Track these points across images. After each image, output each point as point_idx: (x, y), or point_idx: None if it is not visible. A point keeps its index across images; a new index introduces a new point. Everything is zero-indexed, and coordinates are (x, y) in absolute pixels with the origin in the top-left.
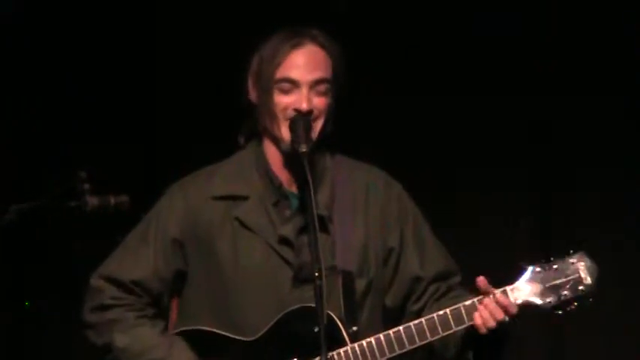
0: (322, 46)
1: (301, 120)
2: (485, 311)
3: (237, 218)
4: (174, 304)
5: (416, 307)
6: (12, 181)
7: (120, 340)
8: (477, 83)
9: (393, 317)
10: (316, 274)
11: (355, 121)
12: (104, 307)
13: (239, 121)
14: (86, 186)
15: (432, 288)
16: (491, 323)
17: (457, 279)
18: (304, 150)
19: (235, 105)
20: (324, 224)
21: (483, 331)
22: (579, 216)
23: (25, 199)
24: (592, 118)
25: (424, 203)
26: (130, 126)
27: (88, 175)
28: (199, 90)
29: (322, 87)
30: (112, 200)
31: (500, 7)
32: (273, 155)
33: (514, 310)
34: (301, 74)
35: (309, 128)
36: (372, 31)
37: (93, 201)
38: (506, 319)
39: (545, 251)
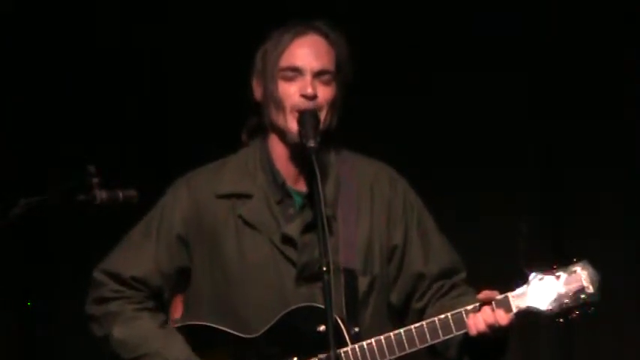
0: (325, 35)
1: (310, 115)
2: (477, 315)
3: (240, 216)
4: (179, 301)
5: (419, 304)
6: (18, 177)
7: (118, 332)
8: (477, 83)
9: (397, 315)
10: (324, 268)
11: (355, 120)
12: (104, 300)
13: (247, 118)
14: (95, 180)
15: (435, 286)
16: (482, 327)
17: (462, 275)
18: (312, 145)
19: (243, 102)
20: (328, 223)
21: (473, 332)
22: (583, 219)
23: (33, 195)
24: (592, 120)
25: (425, 204)
26: (138, 121)
27: (97, 170)
28: (208, 86)
29: (326, 77)
30: (121, 195)
31: (500, 7)
32: (278, 151)
33: (510, 321)
34: (304, 62)
35: (317, 124)
36: (371, 30)
37: (102, 195)
38: (497, 326)
39: (548, 258)
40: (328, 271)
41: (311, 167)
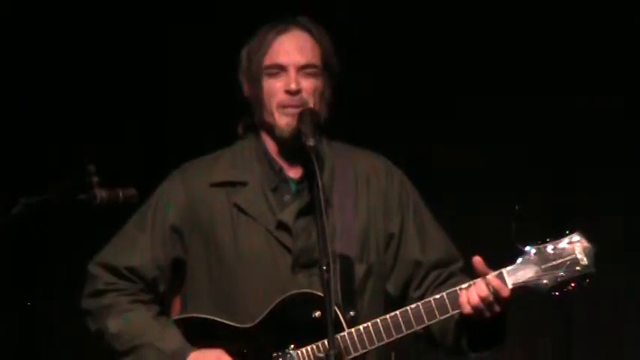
0: (308, 30)
1: (309, 114)
2: (471, 289)
3: (235, 204)
4: (178, 299)
5: (417, 293)
6: (18, 177)
7: (112, 325)
8: (477, 83)
9: (395, 305)
10: (324, 267)
11: (359, 117)
12: (98, 293)
13: (243, 114)
14: (95, 179)
15: (432, 274)
16: (475, 300)
17: (459, 265)
18: (312, 144)
19: (239, 98)
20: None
21: (467, 309)
22: (584, 214)
23: (33, 194)
24: (592, 118)
25: (422, 190)
26: (138, 121)
27: (97, 169)
28: (208, 85)
29: (310, 70)
30: (121, 194)
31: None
32: (270, 144)
33: (506, 293)
34: (288, 58)
35: (317, 122)
36: (371, 35)
37: (102, 194)
38: (492, 299)
39: (542, 233)
40: (328, 270)
41: (310, 165)
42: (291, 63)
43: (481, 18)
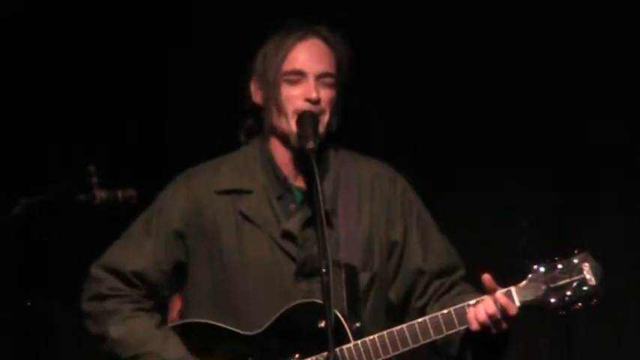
0: (325, 39)
1: (309, 117)
2: (479, 306)
3: (241, 212)
4: (177, 299)
5: (419, 303)
6: (18, 177)
7: (115, 331)
8: (477, 83)
9: (397, 314)
10: (323, 270)
11: (359, 117)
12: (102, 297)
13: (244, 118)
14: (95, 180)
15: (435, 284)
16: (482, 317)
17: (461, 273)
18: (311, 147)
19: (242, 103)
20: (328, 218)
21: (475, 325)
22: (584, 214)
23: (33, 195)
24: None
25: (426, 201)
26: (138, 121)
27: (97, 169)
28: (208, 86)
29: (328, 80)
30: (120, 194)
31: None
32: (278, 152)
33: (513, 311)
34: (307, 65)
35: (316, 125)
36: (371, 35)
37: (101, 195)
38: (500, 316)
39: (549, 252)
40: (328, 273)
41: (310, 168)
42: (311, 71)
43: (481, 18)
